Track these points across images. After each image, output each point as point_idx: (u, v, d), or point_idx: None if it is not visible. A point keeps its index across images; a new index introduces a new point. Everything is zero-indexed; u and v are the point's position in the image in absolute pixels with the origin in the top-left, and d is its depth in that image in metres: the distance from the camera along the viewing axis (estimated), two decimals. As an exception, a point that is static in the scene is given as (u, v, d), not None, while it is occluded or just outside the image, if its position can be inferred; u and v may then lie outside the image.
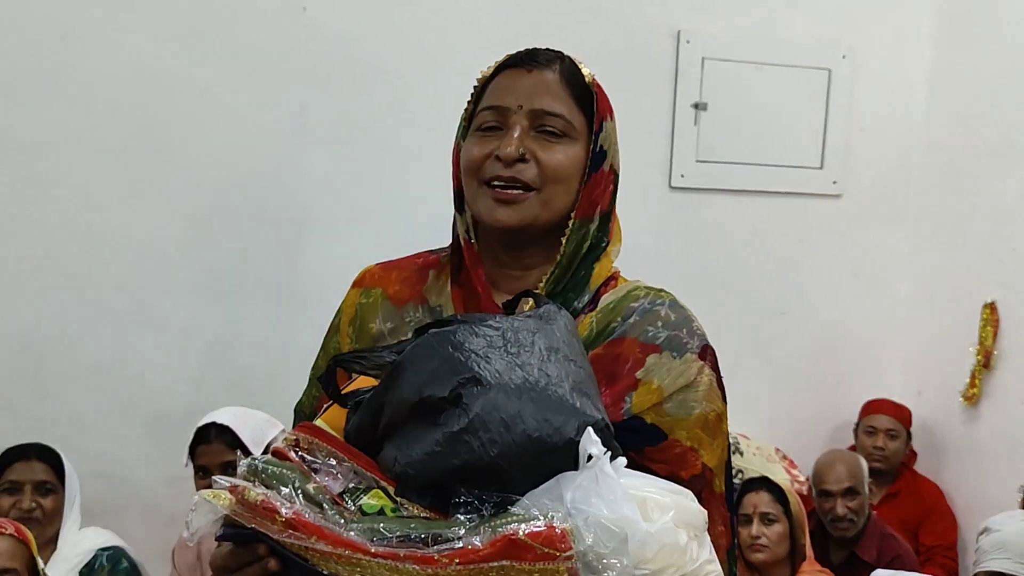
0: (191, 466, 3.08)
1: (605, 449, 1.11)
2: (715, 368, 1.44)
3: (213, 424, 3.03)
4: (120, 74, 3.44)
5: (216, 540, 1.12)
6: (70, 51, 3.39)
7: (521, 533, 1.00)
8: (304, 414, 1.57)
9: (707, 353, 1.43)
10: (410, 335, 1.23)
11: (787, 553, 3.28)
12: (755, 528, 3.24)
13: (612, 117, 1.48)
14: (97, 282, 3.48)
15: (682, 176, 4.06)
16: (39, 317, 3.43)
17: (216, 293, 3.60)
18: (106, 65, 3.42)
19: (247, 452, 1.24)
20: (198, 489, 3.00)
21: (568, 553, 1.01)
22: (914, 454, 4.21)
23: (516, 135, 1.40)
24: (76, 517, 2.99)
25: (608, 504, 1.05)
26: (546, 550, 1.00)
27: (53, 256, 3.43)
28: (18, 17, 3.35)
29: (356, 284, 1.58)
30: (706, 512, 1.21)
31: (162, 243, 3.52)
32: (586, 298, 1.45)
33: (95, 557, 2.91)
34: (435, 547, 1.00)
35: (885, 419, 4.11)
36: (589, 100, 1.45)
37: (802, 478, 3.96)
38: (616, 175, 1.49)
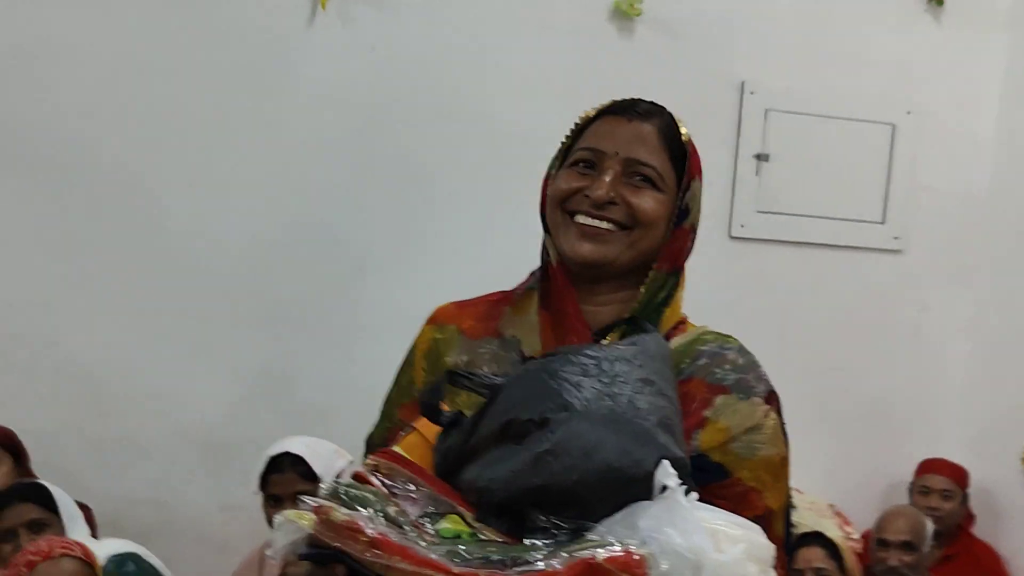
0: (258, 495, 3.07)
1: (680, 482, 1.12)
2: (779, 413, 1.46)
3: (287, 454, 3.02)
4: (182, 109, 3.50)
5: (298, 559, 1.13)
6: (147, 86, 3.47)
7: (599, 558, 1.01)
8: (375, 445, 1.58)
9: (773, 398, 1.46)
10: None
11: (841, 609, 3.23)
12: (809, 583, 3.19)
13: (700, 177, 1.51)
14: (159, 311, 3.52)
15: (742, 226, 4.05)
16: (102, 342, 3.48)
17: (275, 327, 3.63)
18: (172, 101, 3.49)
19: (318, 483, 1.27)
20: (268, 518, 3.01)
21: (644, 578, 1.01)
22: (972, 516, 4.12)
23: (608, 179, 1.45)
24: (82, 531, 2.89)
25: (682, 533, 1.06)
26: (623, 575, 1.01)
27: (116, 283, 3.48)
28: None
29: (431, 321, 1.60)
30: (774, 547, 1.21)
31: (223, 275, 3.56)
32: None
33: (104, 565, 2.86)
34: (514, 569, 1.01)
35: (940, 479, 4.02)
36: (682, 157, 1.48)
37: (855, 535, 3.88)
38: (695, 233, 1.52)
